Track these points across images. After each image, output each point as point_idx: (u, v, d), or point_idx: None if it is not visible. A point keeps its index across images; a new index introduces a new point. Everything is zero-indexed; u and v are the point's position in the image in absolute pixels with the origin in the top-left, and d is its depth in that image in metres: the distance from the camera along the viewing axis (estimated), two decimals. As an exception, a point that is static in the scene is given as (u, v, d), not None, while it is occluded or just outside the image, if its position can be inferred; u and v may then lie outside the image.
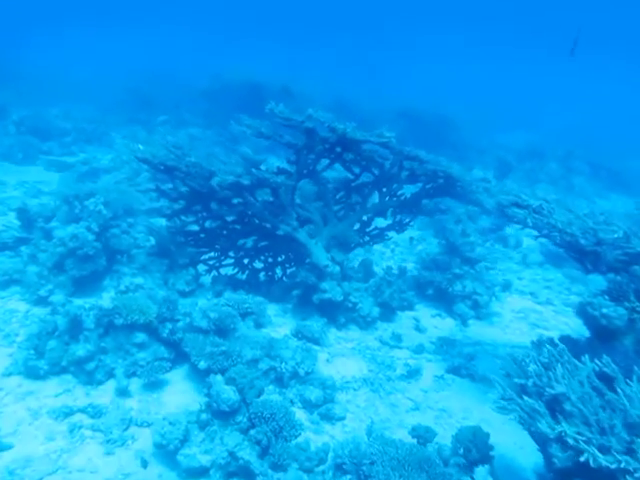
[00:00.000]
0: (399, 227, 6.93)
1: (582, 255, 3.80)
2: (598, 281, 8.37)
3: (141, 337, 4.58)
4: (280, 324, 5.94)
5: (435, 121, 20.34)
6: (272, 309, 6.16)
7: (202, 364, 4.36)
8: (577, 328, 6.91)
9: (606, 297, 3.42)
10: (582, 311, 3.73)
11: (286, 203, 5.72)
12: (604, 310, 3.32)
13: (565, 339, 4.45)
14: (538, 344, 4.60)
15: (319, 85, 22.43)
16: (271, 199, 5.93)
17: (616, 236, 3.43)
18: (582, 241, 3.44)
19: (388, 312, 6.34)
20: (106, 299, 5.89)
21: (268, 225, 5.96)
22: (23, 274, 5.89)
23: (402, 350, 5.77)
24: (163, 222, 9.09)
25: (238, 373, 4.03)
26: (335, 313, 5.97)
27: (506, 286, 7.62)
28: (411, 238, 9.32)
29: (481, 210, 10.02)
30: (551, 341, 4.54)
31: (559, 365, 2.91)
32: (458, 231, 7.54)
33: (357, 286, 6.30)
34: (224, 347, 4.49)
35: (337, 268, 5.83)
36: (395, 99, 24.39)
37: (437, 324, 6.57)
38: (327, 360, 5.36)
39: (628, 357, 3.49)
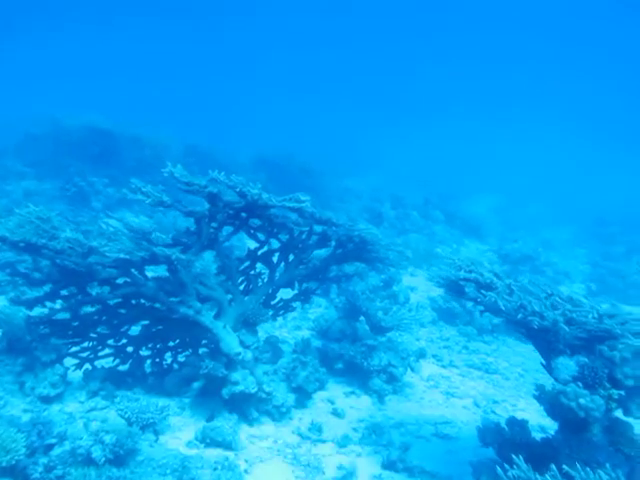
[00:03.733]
0: (304, 297, 6.53)
1: (536, 332, 3.72)
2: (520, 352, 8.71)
3: (4, 485, 3.46)
4: (180, 427, 5.06)
5: (294, 169, 20.59)
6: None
7: (99, 512, 3.40)
8: (484, 392, 7.07)
9: (579, 384, 3.32)
10: (546, 397, 3.60)
11: (186, 281, 4.98)
12: (581, 401, 3.20)
13: (513, 423, 4.32)
14: (484, 430, 4.44)
15: (169, 131, 21.56)
16: (165, 276, 5.15)
17: (591, 317, 3.39)
18: (562, 325, 3.34)
19: (303, 397, 5.80)
20: None
21: (162, 307, 5.14)
22: None
23: (326, 444, 5.24)
24: (3, 302, 7.65)
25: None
26: (246, 406, 5.27)
27: (421, 354, 7.55)
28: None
29: (370, 267, 10.05)
30: (497, 425, 4.40)
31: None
32: (362, 294, 7.35)
33: (266, 369, 5.71)
34: (127, 482, 3.57)
35: (249, 354, 5.18)
36: (249, 145, 24.42)
37: (353, 404, 6.18)
38: (245, 470, 4.61)
39: (599, 448, 3.40)
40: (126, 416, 4.22)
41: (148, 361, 5.82)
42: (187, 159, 18.43)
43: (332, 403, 6.04)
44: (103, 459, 3.72)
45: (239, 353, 5.05)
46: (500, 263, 15.06)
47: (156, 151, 17.40)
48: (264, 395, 5.28)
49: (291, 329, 8.46)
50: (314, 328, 8.33)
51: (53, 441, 4.01)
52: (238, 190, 4.82)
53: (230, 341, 5.07)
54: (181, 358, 5.93)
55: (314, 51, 53.51)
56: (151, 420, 4.30)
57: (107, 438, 3.76)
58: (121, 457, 3.81)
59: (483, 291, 3.75)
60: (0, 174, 14.90)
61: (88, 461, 3.76)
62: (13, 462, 3.47)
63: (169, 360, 5.90)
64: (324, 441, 5.27)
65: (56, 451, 3.87)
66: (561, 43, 46.83)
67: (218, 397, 5.22)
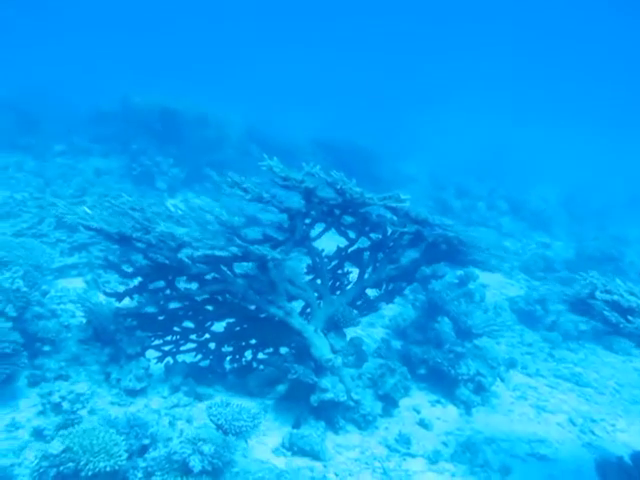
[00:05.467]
0: (389, 297, 6.27)
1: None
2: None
3: (106, 491, 3.40)
4: (265, 431, 4.94)
5: (355, 153, 20.18)
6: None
7: (200, 530, 3.29)
8: (578, 407, 6.65)
9: None
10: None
11: (277, 280, 4.81)
12: None
13: (638, 458, 3.96)
14: (605, 466, 4.09)
15: (228, 110, 21.48)
16: (253, 273, 5.00)
17: None
18: None
19: (389, 406, 5.58)
20: (25, 410, 4.59)
21: (251, 306, 5.00)
22: None
23: (416, 459, 5.01)
24: (79, 284, 7.77)
25: None
26: (333, 414, 5.09)
27: (511, 364, 7.18)
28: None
29: (447, 264, 9.68)
30: (620, 461, 4.05)
31: None
32: (447, 296, 7.04)
33: (351, 373, 5.51)
34: (227, 497, 3.45)
35: (339, 360, 4.99)
36: (306, 127, 24.09)
37: (440, 414, 5.91)
38: (336, 484, 4.45)
39: None
40: (219, 422, 4.10)
41: (228, 358, 5.73)
42: (247, 140, 18.43)
43: (418, 412, 5.80)
44: (200, 469, 3.61)
45: (330, 360, 4.87)
46: (577, 262, 14.29)
47: (219, 131, 17.38)
48: (352, 403, 5.09)
49: (365, 326, 8.20)
50: (389, 326, 8.12)
51: (146, 442, 3.95)
52: (338, 187, 4.58)
53: (321, 346, 4.88)
54: (260, 356, 5.81)
55: (367, 35, 52.31)
56: (244, 428, 4.17)
57: (205, 448, 3.64)
58: (218, 469, 3.70)
59: (630, 317, 3.38)
60: (74, 153, 15.15)
61: (184, 470, 3.65)
62: (117, 467, 3.40)
63: (249, 357, 5.80)
64: (414, 455, 5.04)
65: (151, 454, 3.79)
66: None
67: (303, 402, 5.07)
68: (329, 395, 4.87)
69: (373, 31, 51.67)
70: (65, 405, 4.41)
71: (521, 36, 48.40)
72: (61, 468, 3.30)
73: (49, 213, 9.01)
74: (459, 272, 10.04)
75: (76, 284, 7.71)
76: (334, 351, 5.09)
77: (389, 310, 8.61)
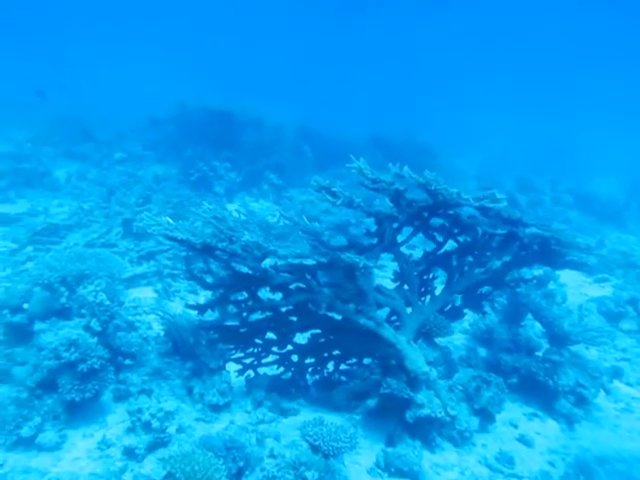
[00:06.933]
0: (475, 303, 5.97)
1: None
2: None
3: (209, 520, 3.27)
4: (357, 449, 4.71)
5: (410, 149, 19.78)
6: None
7: None
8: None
9: None
10: None
11: (366, 289, 4.59)
12: None
13: None
14: None
15: (283, 112, 21.45)
16: (335, 281, 4.79)
17: None
18: None
19: (485, 420, 5.27)
20: (114, 427, 4.55)
21: (338, 317, 4.80)
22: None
23: (523, 481, 4.68)
24: (150, 293, 7.80)
25: None
26: (429, 431, 4.83)
27: (616, 374, 6.71)
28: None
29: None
30: None
31: None
32: (535, 299, 6.66)
33: (443, 384, 5.23)
34: (335, 527, 3.25)
35: (434, 373, 4.73)
36: (360, 125, 23.86)
37: (539, 429, 5.54)
38: (441, 510, 4.19)
39: None
40: (316, 443, 3.91)
41: (309, 369, 5.56)
42: (300, 141, 18.32)
43: (515, 427, 5.46)
44: (304, 495, 3.43)
45: (426, 372, 4.61)
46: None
47: (274, 133, 17.35)
48: (448, 419, 4.81)
49: (442, 332, 7.90)
50: (468, 331, 7.75)
51: (241, 464, 3.81)
52: (432, 188, 4.31)
53: (416, 359, 4.63)
54: (342, 367, 5.61)
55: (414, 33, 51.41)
56: (342, 449, 3.97)
57: (309, 475, 3.46)
58: (322, 495, 3.51)
59: None
60: (129, 159, 15.37)
61: (287, 497, 3.49)
62: (218, 495, 3.26)
63: (330, 369, 5.60)
64: (520, 477, 4.71)
65: (249, 479, 3.65)
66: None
67: (396, 418, 4.83)
68: (426, 411, 4.61)
69: (417, 26, 50.92)
70: (155, 423, 4.31)
71: (561, 29, 46.60)
72: (163, 496, 3.18)
73: (116, 222, 9.14)
74: (537, 272, 9.58)
75: (147, 293, 7.74)
76: (427, 362, 4.83)
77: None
